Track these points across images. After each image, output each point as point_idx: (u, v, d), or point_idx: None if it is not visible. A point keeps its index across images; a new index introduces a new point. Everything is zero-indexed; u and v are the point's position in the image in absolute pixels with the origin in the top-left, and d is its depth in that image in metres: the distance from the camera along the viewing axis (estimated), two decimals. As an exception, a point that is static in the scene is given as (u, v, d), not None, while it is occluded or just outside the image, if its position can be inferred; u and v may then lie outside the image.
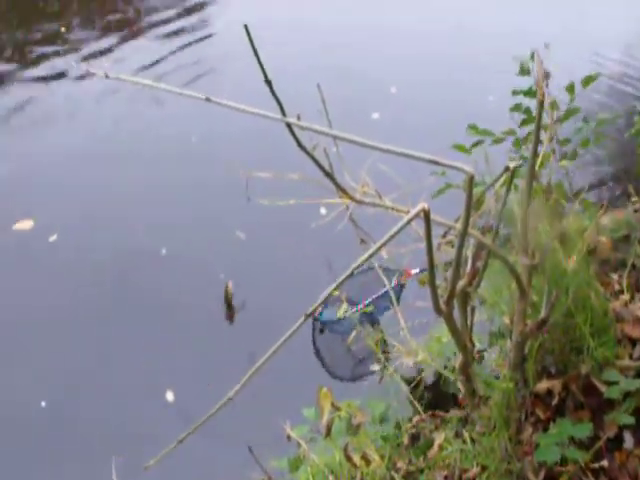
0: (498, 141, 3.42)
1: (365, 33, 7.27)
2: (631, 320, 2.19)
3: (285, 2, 8.13)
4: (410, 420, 2.46)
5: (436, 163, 1.23)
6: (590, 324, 2.00)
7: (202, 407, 1.32)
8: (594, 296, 2.08)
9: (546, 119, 3.18)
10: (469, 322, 1.90)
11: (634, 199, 3.16)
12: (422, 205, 1.27)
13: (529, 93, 3.40)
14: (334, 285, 1.23)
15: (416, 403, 2.51)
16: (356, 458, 2.03)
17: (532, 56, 3.48)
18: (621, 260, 2.39)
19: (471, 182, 1.30)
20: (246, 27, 1.33)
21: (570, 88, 3.48)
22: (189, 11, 8.37)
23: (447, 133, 3.62)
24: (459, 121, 3.59)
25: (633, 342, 2.16)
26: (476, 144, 3.46)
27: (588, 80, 3.51)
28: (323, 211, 3.65)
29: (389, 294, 3.26)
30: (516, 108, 3.39)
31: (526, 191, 1.52)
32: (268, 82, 1.39)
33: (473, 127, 3.44)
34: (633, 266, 2.36)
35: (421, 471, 2.10)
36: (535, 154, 1.47)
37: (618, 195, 4.55)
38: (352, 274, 1.19)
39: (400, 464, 2.16)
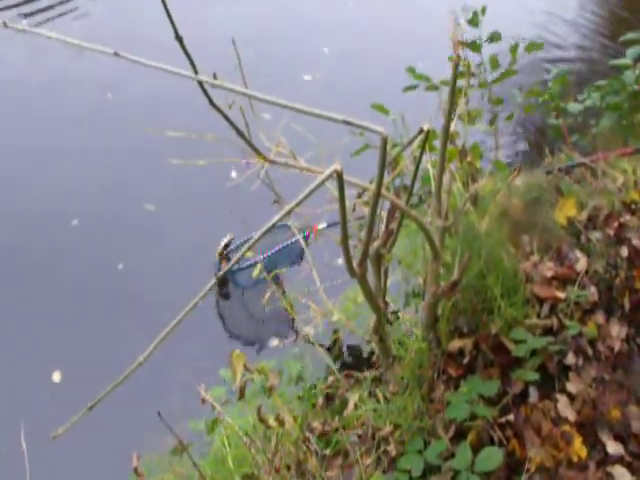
0: (432, 88, 3.46)
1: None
2: (539, 280, 2.31)
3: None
4: (325, 380, 2.52)
5: (349, 124, 1.25)
6: (501, 285, 2.09)
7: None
8: (506, 258, 2.18)
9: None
10: (383, 283, 1.95)
11: (547, 160, 3.29)
12: (335, 166, 1.28)
13: (473, 47, 3.47)
14: (247, 246, 1.24)
15: (331, 364, 2.56)
16: (270, 420, 2.06)
17: (483, 10, 3.54)
18: (532, 222, 2.49)
19: (385, 144, 1.33)
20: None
21: (513, 49, 3.56)
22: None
23: (379, 94, 3.64)
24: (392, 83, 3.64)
25: (541, 302, 2.28)
26: (409, 88, 3.49)
27: (531, 47, 3.60)
28: (234, 174, 3.63)
29: (297, 249, 3.28)
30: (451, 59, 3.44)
31: (440, 153, 1.56)
32: (179, 38, 1.36)
33: (410, 69, 3.47)
34: (543, 228, 2.47)
35: (335, 430, 2.16)
36: (449, 117, 1.51)
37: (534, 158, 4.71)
38: (264, 234, 1.20)
39: (315, 424, 2.22)
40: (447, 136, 1.54)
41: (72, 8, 6.93)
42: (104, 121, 5.21)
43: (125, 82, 5.37)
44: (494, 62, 3.49)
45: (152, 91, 5.17)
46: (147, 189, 4.60)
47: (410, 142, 1.49)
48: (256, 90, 1.25)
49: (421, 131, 1.48)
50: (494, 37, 3.52)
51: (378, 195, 1.46)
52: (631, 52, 3.39)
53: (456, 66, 1.45)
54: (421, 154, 1.47)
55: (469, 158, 2.54)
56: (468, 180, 2.24)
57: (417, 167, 1.50)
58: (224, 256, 3.88)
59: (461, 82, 2.59)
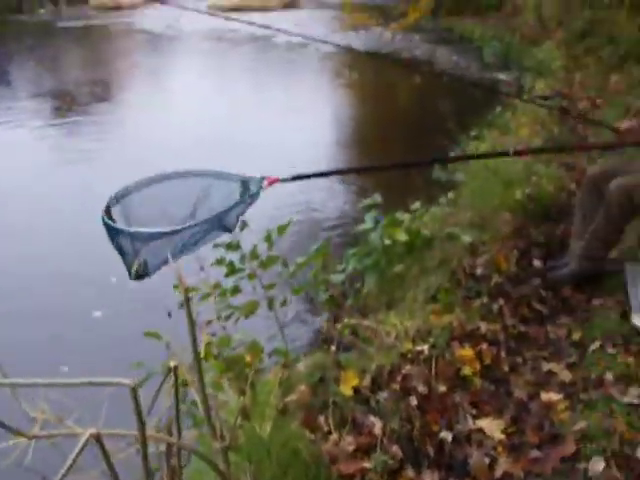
0: (206, 297, 3.61)
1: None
2: (344, 457, 2.43)
3: None
4: None
5: (92, 384, 1.32)
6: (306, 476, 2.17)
7: None
8: (303, 447, 2.28)
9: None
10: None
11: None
12: (90, 430, 1.34)
13: (230, 247, 3.69)
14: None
15: None
16: None
17: None
18: (323, 402, 2.65)
19: (135, 394, 1.41)
20: None
21: (267, 238, 3.84)
22: None
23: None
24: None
25: (350, 477, 2.38)
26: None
27: (281, 230, 3.90)
28: None
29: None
30: (218, 262, 3.64)
31: (197, 381, 1.67)
32: None
33: (176, 286, 3.58)
34: (334, 404, 2.63)
35: None
36: (196, 350, 1.62)
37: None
38: None
39: None
40: (200, 365, 1.66)
41: None
42: None
43: None
44: (254, 254, 3.76)
45: None
46: None
47: (162, 384, 1.58)
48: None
49: (169, 370, 1.59)
50: (242, 227, 3.81)
51: (144, 443, 1.51)
52: (369, 216, 3.86)
53: (187, 301, 1.60)
54: (176, 394, 1.56)
55: (248, 358, 2.68)
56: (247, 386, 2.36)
57: (177, 406, 1.59)
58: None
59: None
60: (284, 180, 2.98)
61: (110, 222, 2.55)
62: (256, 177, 2.89)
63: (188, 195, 2.79)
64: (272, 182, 2.89)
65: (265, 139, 8.81)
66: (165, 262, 2.57)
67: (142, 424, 1.52)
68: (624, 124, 3.99)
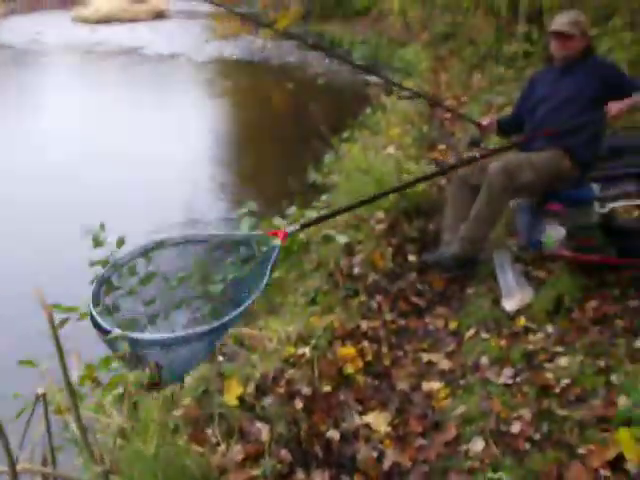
0: (84, 316, 3.50)
1: None
2: (233, 467, 2.43)
3: None
4: None
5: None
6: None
7: None
8: (192, 462, 2.26)
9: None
10: None
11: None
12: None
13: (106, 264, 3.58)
14: None
15: None
16: None
17: (102, 227, 3.71)
18: (209, 413, 2.64)
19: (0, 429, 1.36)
20: None
21: (145, 254, 3.74)
22: None
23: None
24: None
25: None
26: (64, 322, 3.48)
27: (119, 243, 3.81)
28: None
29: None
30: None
31: (72, 406, 1.63)
32: None
33: (57, 306, 3.47)
34: (220, 415, 2.62)
35: None
36: (67, 376, 1.59)
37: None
38: None
39: None
40: (72, 391, 1.62)
41: None
42: None
43: None
44: (131, 270, 3.68)
45: None
46: None
47: (31, 414, 1.54)
48: None
49: (37, 397, 1.54)
50: (118, 244, 3.73)
51: (15, 477, 1.47)
52: (244, 224, 3.87)
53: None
54: (46, 420, 1.52)
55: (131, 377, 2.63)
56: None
57: (49, 434, 1.55)
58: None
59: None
60: (293, 232, 2.98)
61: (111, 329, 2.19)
62: (265, 235, 2.85)
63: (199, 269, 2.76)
64: (284, 237, 2.85)
65: (141, 153, 8.66)
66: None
67: (10, 458, 1.47)
68: (484, 120, 4.19)
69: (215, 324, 2.32)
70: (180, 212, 6.64)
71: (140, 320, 2.72)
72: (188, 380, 2.81)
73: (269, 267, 2.67)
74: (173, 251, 2.86)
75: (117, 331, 2.16)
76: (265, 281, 2.57)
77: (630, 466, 2.29)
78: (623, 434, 1.88)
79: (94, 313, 2.27)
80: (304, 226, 3.07)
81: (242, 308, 2.40)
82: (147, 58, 17.14)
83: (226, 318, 2.36)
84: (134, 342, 2.20)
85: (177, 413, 2.57)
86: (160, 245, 2.81)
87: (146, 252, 2.79)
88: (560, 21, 3.72)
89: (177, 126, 10.17)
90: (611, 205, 3.97)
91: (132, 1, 27.18)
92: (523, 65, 8.47)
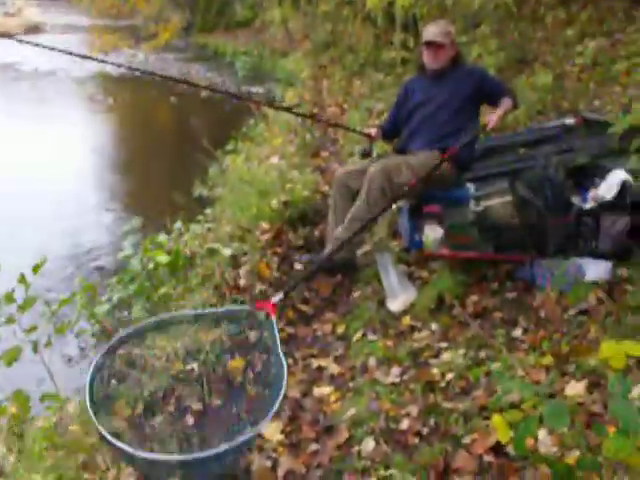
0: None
1: None
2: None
3: None
4: None
5: None
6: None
7: None
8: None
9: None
10: None
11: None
12: None
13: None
14: None
15: None
16: None
17: None
18: (98, 438, 2.57)
19: None
20: None
21: (22, 279, 3.62)
22: None
23: None
24: None
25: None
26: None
27: (36, 268, 3.69)
28: None
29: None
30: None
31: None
32: None
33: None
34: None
35: None
36: None
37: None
38: None
39: None
40: None
41: None
42: None
43: None
44: (9, 298, 3.56)
45: None
46: None
47: None
48: None
49: None
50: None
51: None
52: (127, 242, 3.82)
53: None
54: None
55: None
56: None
57: None
58: None
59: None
60: (279, 300, 2.94)
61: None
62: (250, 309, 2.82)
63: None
64: (273, 308, 2.83)
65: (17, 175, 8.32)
66: None
67: None
68: (372, 131, 4.29)
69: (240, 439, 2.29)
70: (63, 236, 6.44)
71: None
72: (72, 406, 2.74)
73: (278, 349, 2.65)
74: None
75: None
76: (284, 368, 2.55)
77: (510, 449, 2.42)
78: (497, 420, 1.97)
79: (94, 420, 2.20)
80: (287, 292, 3.06)
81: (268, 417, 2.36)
82: (24, 74, 16.48)
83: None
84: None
85: (64, 441, 2.51)
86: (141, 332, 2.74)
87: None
88: (431, 31, 3.88)
89: (58, 145, 9.84)
90: (485, 203, 4.16)
91: (3, 15, 26.10)
92: (401, 72, 8.75)
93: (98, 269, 5.20)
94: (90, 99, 14.02)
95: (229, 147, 6.55)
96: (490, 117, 3.83)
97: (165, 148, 9.63)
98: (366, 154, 4.32)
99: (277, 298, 2.95)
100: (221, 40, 19.86)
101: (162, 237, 3.99)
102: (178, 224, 4.31)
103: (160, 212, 5.44)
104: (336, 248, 3.65)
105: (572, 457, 2.19)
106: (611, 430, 1.80)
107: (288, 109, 5.80)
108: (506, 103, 3.89)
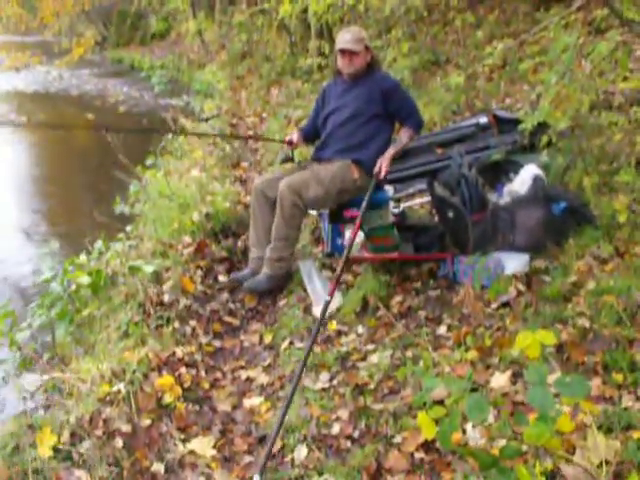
0: None
1: None
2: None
3: None
4: None
5: None
6: None
7: None
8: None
9: None
10: None
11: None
12: None
13: None
14: None
15: None
16: None
17: None
18: (22, 470, 2.49)
19: None
20: None
21: None
22: None
23: None
24: None
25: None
26: None
27: None
28: None
29: None
30: None
31: None
32: None
33: None
34: (35, 470, 2.49)
35: None
36: None
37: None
38: None
39: None
40: None
41: None
42: None
43: None
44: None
45: None
46: None
47: None
48: None
49: None
50: None
51: None
52: (46, 265, 3.72)
53: None
54: None
55: None
56: None
57: None
58: None
59: None
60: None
61: None
62: None
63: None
64: None
65: None
66: None
67: None
68: (293, 137, 4.29)
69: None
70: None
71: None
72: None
73: None
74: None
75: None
76: None
77: (439, 445, 2.47)
78: (421, 418, 2.01)
79: None
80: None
81: None
82: None
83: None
84: None
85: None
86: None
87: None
88: (344, 38, 3.90)
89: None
90: (404, 205, 4.25)
91: None
92: (318, 78, 8.82)
93: (18, 294, 5.04)
94: (2, 119, 13.58)
95: (149, 162, 6.46)
96: (380, 162, 3.81)
97: (85, 166, 9.40)
98: (287, 159, 4.34)
99: None
100: (137, 54, 19.57)
101: (83, 258, 3.91)
102: (98, 243, 4.22)
103: (81, 232, 5.31)
104: (272, 268, 3.80)
105: (498, 447, 2.26)
106: (532, 417, 1.87)
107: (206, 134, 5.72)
108: (404, 136, 3.95)
